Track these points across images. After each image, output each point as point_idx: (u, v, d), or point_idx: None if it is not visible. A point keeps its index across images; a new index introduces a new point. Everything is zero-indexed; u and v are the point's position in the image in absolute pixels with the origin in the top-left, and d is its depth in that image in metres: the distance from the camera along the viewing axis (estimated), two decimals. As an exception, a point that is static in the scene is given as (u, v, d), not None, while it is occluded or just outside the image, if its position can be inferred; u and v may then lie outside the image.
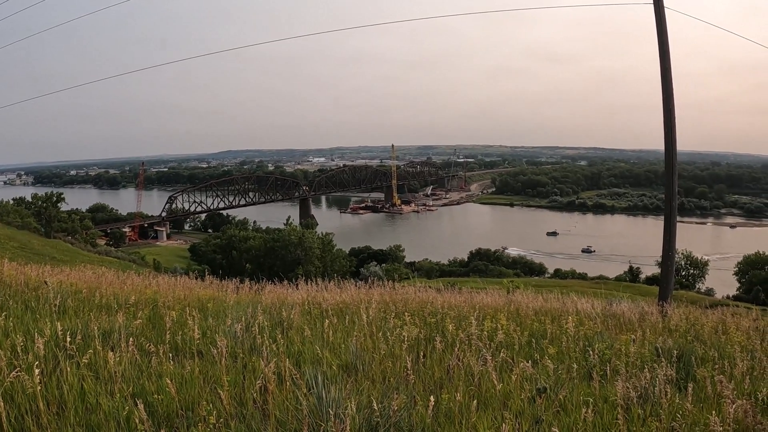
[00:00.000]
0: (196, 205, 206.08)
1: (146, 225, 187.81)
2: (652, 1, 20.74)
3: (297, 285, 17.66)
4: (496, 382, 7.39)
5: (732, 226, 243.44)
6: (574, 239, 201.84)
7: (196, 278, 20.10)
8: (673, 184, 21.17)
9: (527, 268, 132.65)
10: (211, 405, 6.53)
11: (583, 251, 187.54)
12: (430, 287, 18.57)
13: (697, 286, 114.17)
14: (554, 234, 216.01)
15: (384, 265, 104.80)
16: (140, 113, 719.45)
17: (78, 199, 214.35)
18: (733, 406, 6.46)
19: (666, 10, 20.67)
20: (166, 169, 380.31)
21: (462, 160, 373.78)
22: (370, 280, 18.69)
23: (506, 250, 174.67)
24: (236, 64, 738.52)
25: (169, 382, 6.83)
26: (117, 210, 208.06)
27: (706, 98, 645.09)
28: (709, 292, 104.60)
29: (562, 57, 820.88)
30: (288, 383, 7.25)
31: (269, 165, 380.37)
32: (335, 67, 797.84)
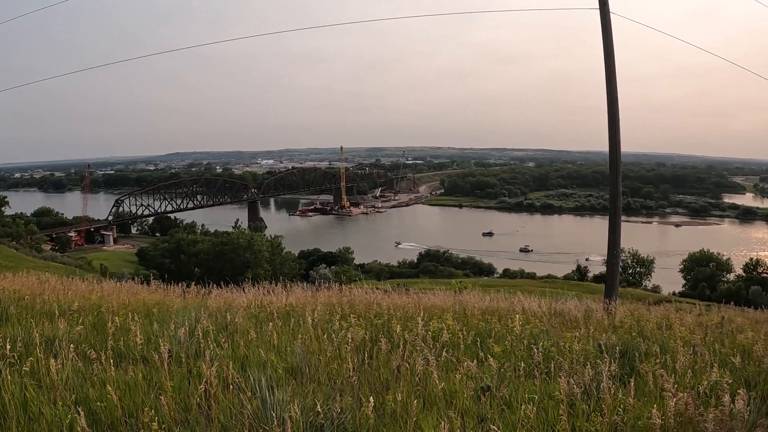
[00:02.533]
0: (144, 208, 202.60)
1: (93, 229, 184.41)
2: (597, 7, 21.05)
3: (245, 289, 17.55)
4: (439, 382, 7.46)
5: (677, 225, 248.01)
6: (513, 239, 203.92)
7: (142, 283, 19.88)
8: (617, 184, 21.50)
9: (476, 269, 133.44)
10: (153, 411, 6.48)
11: (521, 250, 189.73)
12: (377, 289, 18.57)
13: (644, 284, 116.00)
14: (490, 234, 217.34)
15: (333, 267, 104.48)
16: (86, 114, 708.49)
17: (22, 203, 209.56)
18: (674, 400, 6.57)
19: (612, 15, 21.01)
20: (112, 172, 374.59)
21: (411, 161, 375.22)
22: (317, 283, 18.65)
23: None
24: (182, 64, 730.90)
25: (111, 389, 6.75)
26: (63, 214, 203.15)
27: (653, 101, 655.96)
28: (656, 289, 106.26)
29: (512, 59, 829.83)
30: (233, 387, 7.21)
31: (217, 167, 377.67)
32: (284, 68, 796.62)
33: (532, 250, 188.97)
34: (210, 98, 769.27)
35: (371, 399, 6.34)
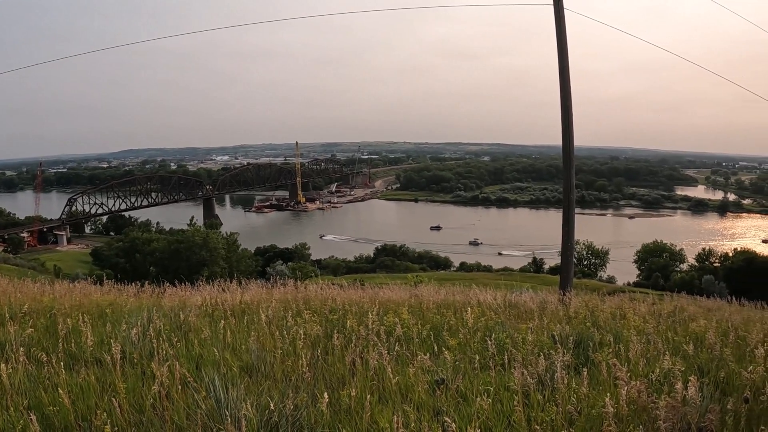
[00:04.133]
0: (98, 207, 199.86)
1: (45, 229, 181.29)
2: (552, 2, 21.21)
3: (200, 287, 17.40)
4: (392, 375, 7.52)
5: (631, 217, 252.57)
6: (462, 233, 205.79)
7: (96, 283, 19.60)
8: (570, 177, 21.70)
9: (433, 262, 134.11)
10: (106, 414, 6.40)
11: (470, 243, 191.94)
12: (333, 284, 18.53)
13: (599, 275, 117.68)
14: (437, 228, 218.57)
15: (290, 263, 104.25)
16: (37, 111, 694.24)
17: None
18: (626, 388, 6.65)
19: (566, 11, 21.19)
20: (65, 170, 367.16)
21: (366, 156, 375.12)
22: (273, 280, 18.56)
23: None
24: (135, 59, 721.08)
25: (63, 392, 6.67)
26: (14, 214, 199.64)
27: (608, 95, 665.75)
28: (611, 280, 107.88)
29: (467, 54, 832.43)
30: (186, 387, 7.15)
31: (172, 164, 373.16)
32: (239, 62, 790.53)
33: (481, 243, 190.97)
34: (163, 94, 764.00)
35: (325, 395, 6.31)
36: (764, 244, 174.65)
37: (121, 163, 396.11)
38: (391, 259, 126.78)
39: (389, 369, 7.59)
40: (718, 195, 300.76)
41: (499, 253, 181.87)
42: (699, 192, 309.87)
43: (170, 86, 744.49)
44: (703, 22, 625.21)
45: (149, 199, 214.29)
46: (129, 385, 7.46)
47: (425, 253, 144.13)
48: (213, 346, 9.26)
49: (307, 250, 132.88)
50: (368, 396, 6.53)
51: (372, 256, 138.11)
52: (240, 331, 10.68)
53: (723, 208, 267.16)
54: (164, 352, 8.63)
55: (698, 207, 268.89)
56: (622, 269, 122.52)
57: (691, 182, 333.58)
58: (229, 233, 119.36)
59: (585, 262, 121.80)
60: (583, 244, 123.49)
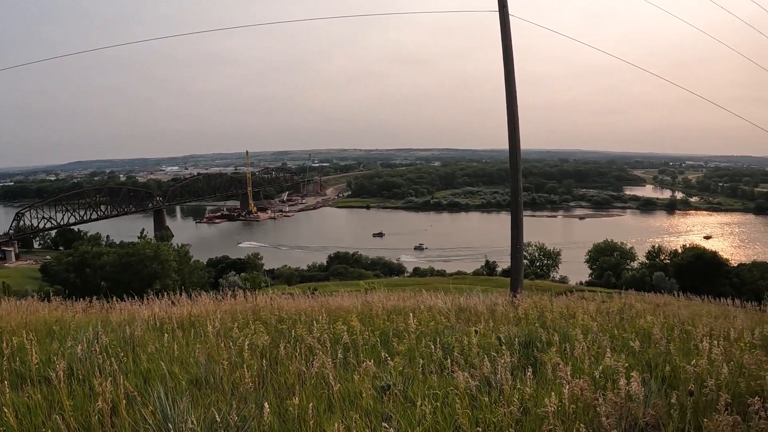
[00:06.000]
0: (46, 221, 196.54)
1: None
2: (497, 9, 21.48)
3: (150, 301, 17.25)
4: (334, 383, 7.53)
5: (581, 218, 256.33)
6: (407, 238, 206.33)
7: (43, 300, 19.31)
8: (518, 180, 22.02)
9: (387, 269, 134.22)
10: None
11: (415, 248, 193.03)
12: (284, 293, 18.52)
13: (552, 275, 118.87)
14: (380, 235, 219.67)
15: (243, 274, 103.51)
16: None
17: None
18: (568, 387, 6.74)
19: (512, 17, 21.49)
20: (11, 183, 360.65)
21: (317, 164, 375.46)
22: (224, 290, 18.48)
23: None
24: (83, 67, 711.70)
25: (8, 412, 6.61)
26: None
27: (556, 100, 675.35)
28: (563, 280, 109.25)
29: (416, 60, 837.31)
30: (133, 402, 7.10)
31: (121, 176, 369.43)
32: (186, 71, 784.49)
33: (426, 248, 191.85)
34: (111, 103, 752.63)
35: (265, 405, 6.29)
36: (706, 240, 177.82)
37: (70, 176, 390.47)
38: (344, 267, 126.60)
39: (331, 376, 7.61)
40: (666, 194, 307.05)
41: (415, 248, 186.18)
42: (647, 191, 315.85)
43: (116, 95, 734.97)
44: (649, 27, 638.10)
45: (99, 212, 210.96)
46: (76, 402, 7.38)
47: (378, 260, 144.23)
48: (160, 360, 9.19)
49: (259, 260, 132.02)
50: (311, 404, 6.55)
51: (325, 264, 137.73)
52: (188, 343, 10.62)
53: (671, 207, 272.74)
54: (110, 367, 8.53)
55: (647, 206, 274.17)
56: (575, 269, 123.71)
57: (640, 182, 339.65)
58: (180, 245, 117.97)
59: (537, 264, 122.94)
60: (535, 245, 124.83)
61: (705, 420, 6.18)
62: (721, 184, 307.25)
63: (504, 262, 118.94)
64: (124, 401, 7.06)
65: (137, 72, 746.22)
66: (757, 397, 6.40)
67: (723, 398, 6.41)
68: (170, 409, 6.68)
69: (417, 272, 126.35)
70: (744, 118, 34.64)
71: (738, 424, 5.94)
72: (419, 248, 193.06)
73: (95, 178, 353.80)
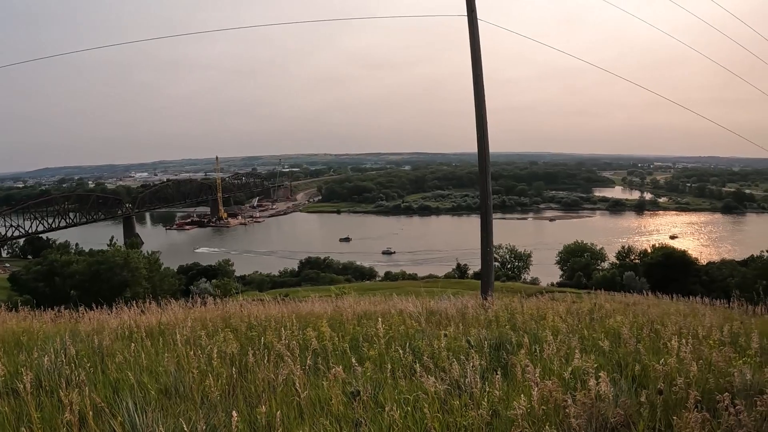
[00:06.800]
0: (14, 229, 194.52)
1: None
2: (466, 13, 21.56)
3: (119, 309, 17.09)
4: (301, 390, 7.50)
5: (551, 220, 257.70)
6: (375, 242, 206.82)
7: (11, 310, 19.07)
8: (487, 183, 22.14)
9: (358, 273, 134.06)
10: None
11: (383, 253, 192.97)
12: (255, 300, 18.43)
13: (523, 277, 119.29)
14: (347, 240, 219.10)
15: (214, 280, 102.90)
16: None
17: None
18: (537, 389, 6.75)
19: (480, 21, 21.58)
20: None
21: (287, 169, 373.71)
22: (194, 298, 18.36)
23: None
24: (43, 71, 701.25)
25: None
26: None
27: (525, 102, 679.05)
28: (534, 282, 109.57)
29: (384, 64, 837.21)
30: (101, 413, 7.00)
31: (90, 182, 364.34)
32: (155, 76, 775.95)
33: (394, 252, 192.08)
34: (78, 109, 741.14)
35: (234, 414, 6.23)
36: (671, 240, 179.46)
37: (38, 182, 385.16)
38: (315, 272, 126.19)
39: (298, 383, 7.56)
40: (635, 195, 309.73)
41: (383, 252, 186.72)
42: (616, 193, 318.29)
43: (83, 100, 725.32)
44: (616, 30, 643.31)
45: (67, 220, 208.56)
46: (44, 414, 7.36)
47: (350, 264, 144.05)
48: (129, 370, 9.11)
49: (230, 267, 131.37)
50: (279, 412, 6.53)
51: (297, 269, 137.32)
52: (157, 352, 10.54)
53: (640, 207, 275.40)
54: (78, 378, 8.42)
55: (616, 207, 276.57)
56: (545, 271, 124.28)
57: (609, 183, 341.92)
58: (150, 252, 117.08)
59: (508, 266, 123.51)
60: (506, 247, 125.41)
61: (675, 418, 6.22)
62: (689, 184, 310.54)
63: (475, 265, 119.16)
64: (92, 413, 6.98)
65: (105, 76, 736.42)
66: (726, 394, 6.45)
67: (692, 395, 6.45)
68: (139, 420, 6.62)
69: (389, 276, 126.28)
70: (710, 119, 35.07)
71: (707, 420, 5.97)
72: (387, 253, 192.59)
73: (63, 185, 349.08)
